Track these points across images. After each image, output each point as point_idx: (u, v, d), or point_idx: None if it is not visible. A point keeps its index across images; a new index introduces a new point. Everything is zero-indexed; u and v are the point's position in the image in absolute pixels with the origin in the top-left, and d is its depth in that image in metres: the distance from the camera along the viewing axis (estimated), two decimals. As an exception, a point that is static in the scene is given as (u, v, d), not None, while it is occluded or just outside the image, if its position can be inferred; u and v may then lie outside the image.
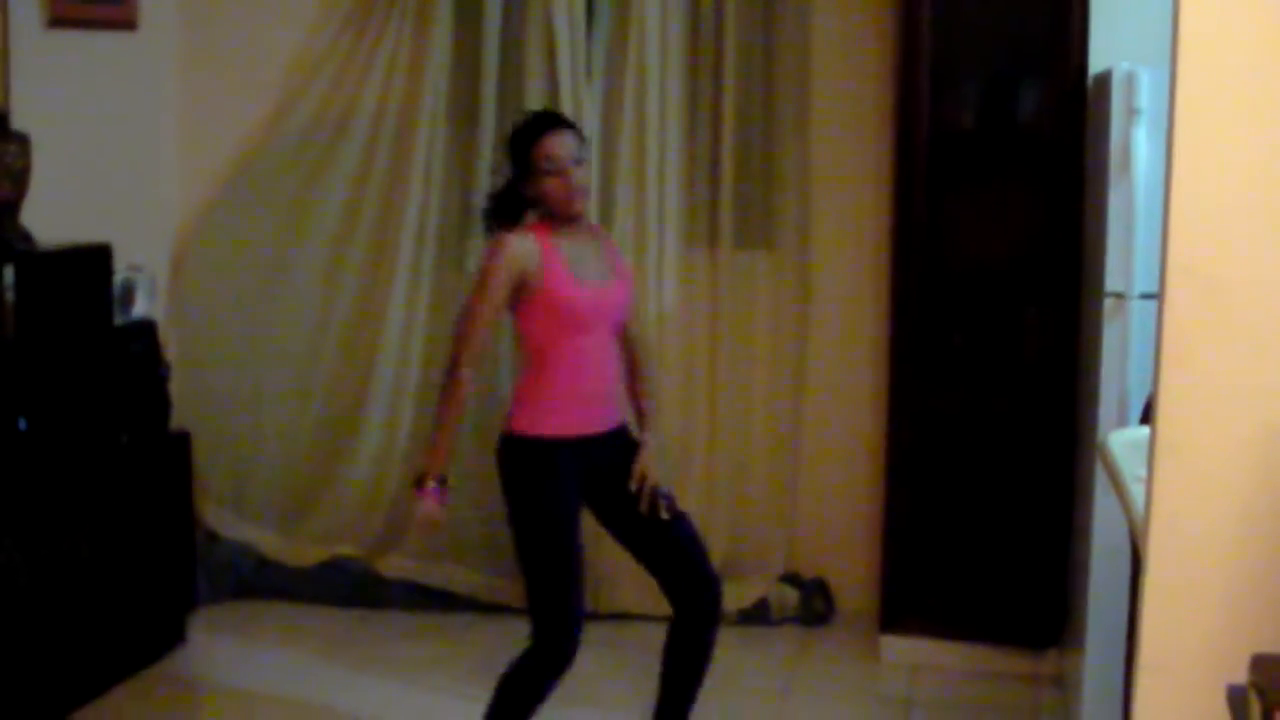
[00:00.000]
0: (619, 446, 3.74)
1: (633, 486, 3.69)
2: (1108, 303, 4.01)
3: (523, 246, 3.54)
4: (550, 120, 3.73)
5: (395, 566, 5.26)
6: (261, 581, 5.32)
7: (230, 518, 5.36)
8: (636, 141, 5.03)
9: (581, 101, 4.98)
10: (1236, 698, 2.29)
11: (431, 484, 3.58)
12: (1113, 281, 4.01)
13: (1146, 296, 3.84)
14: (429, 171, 5.17)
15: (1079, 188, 4.45)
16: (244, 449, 5.39)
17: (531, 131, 3.64)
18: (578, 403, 3.64)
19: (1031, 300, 4.63)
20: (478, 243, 5.36)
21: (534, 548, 3.60)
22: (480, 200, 4.07)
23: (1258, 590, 2.55)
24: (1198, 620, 2.59)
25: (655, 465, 3.75)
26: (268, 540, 5.37)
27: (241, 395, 5.38)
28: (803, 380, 5.17)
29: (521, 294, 3.56)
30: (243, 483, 5.40)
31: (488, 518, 4.89)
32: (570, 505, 3.65)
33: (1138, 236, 3.96)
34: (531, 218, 3.65)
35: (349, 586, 5.24)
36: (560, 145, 3.58)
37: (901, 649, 4.79)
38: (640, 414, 3.88)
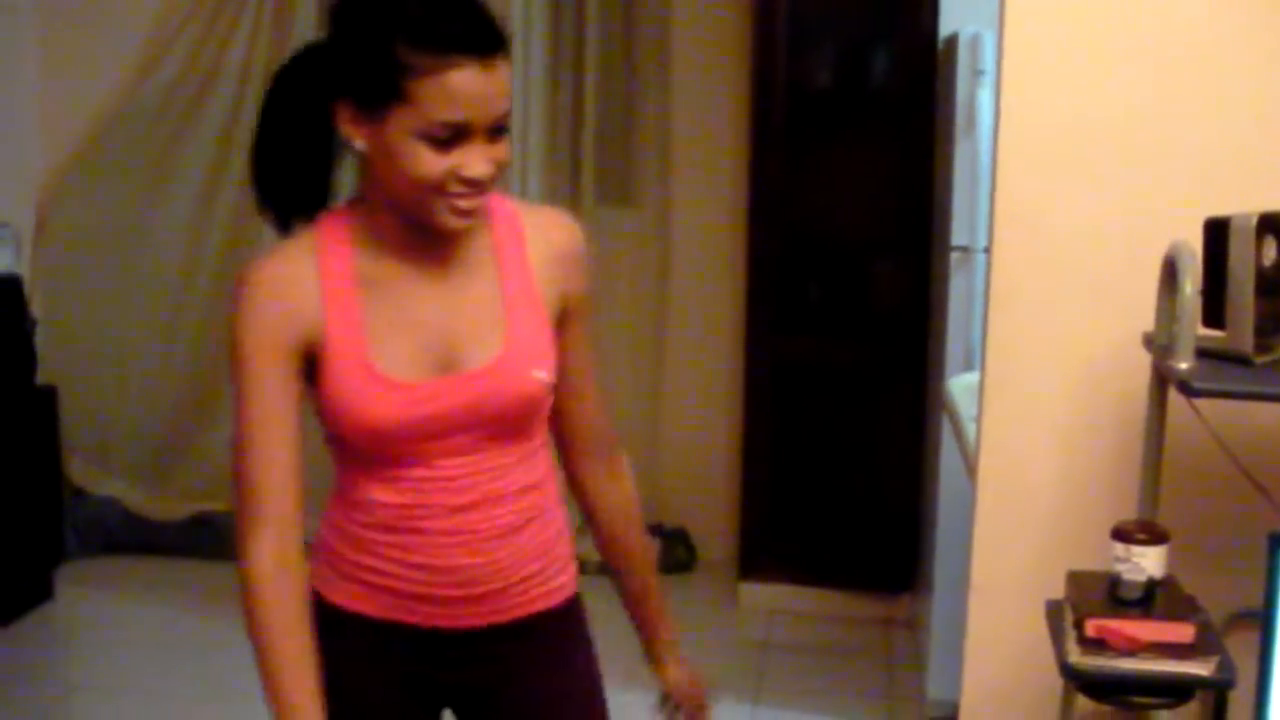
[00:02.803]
0: (517, 649, 2.08)
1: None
2: (954, 256, 4.16)
3: (282, 286, 1.91)
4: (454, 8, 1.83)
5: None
6: (130, 536, 5.33)
7: (97, 473, 5.38)
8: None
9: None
10: (1053, 611, 2.44)
11: None
12: (959, 236, 4.16)
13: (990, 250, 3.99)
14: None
15: (929, 146, 4.60)
16: (111, 404, 5.40)
17: (423, 34, 1.79)
18: (408, 580, 1.99)
19: (884, 254, 4.79)
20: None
21: None
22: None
23: (1075, 514, 2.71)
24: (1022, 544, 2.75)
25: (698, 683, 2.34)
26: (135, 495, 5.39)
27: (108, 350, 5.38)
28: (663, 334, 5.29)
29: (313, 361, 1.93)
30: (110, 438, 5.41)
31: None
32: None
33: (982, 193, 4.10)
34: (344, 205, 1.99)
35: (218, 540, 5.26)
36: (473, 83, 1.79)
37: (760, 595, 4.94)
38: (631, 578, 2.25)
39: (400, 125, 1.80)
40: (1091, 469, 2.70)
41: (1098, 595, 2.37)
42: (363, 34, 1.83)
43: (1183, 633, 2.28)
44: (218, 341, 5.28)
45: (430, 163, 1.81)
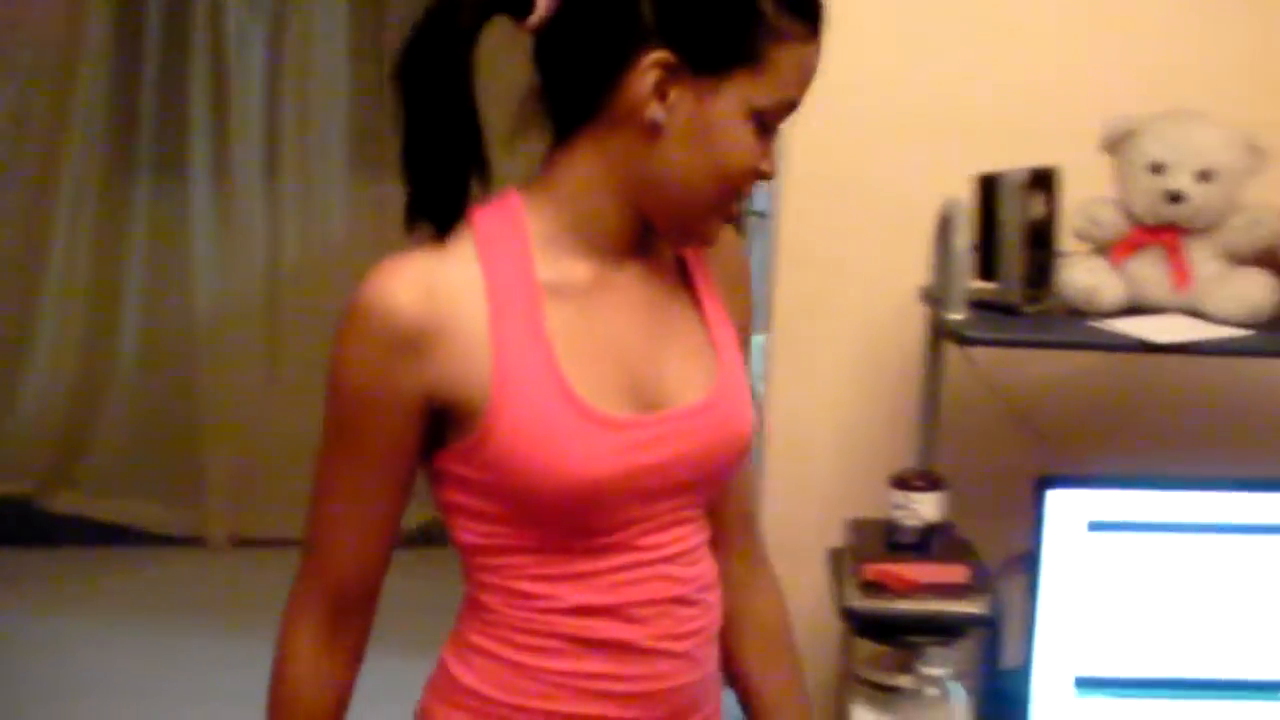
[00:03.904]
0: None
1: None
2: (752, 220, 4.22)
3: (428, 303, 1.40)
4: None
5: (65, 502, 5.18)
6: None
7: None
8: (299, 70, 5.04)
9: (246, 30, 4.96)
10: (834, 558, 2.52)
11: None
12: (758, 201, 4.22)
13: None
14: (90, 110, 5.04)
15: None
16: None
17: None
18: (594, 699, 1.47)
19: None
20: (143, 190, 5.15)
21: None
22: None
23: (859, 466, 2.79)
24: (809, 498, 2.82)
25: None
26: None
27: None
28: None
29: (447, 428, 1.44)
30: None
31: (164, 446, 4.89)
32: None
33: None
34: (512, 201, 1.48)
35: (15, 522, 5.15)
36: (815, 66, 1.46)
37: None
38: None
39: (739, 96, 1.38)
40: (874, 422, 2.78)
41: (877, 541, 2.45)
42: None
43: (956, 574, 2.36)
44: (16, 324, 5.15)
45: (752, 149, 1.41)
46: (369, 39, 5.08)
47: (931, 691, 2.32)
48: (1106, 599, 2.39)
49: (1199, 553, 2.40)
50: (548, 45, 1.43)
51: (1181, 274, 2.47)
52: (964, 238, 2.40)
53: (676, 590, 1.48)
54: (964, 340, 2.37)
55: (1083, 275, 2.46)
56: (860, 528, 2.51)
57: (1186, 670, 2.42)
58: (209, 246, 4.98)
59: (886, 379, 2.75)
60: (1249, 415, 2.79)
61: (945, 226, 2.44)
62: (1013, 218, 2.41)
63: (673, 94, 1.38)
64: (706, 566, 1.53)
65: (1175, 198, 2.44)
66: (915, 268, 2.58)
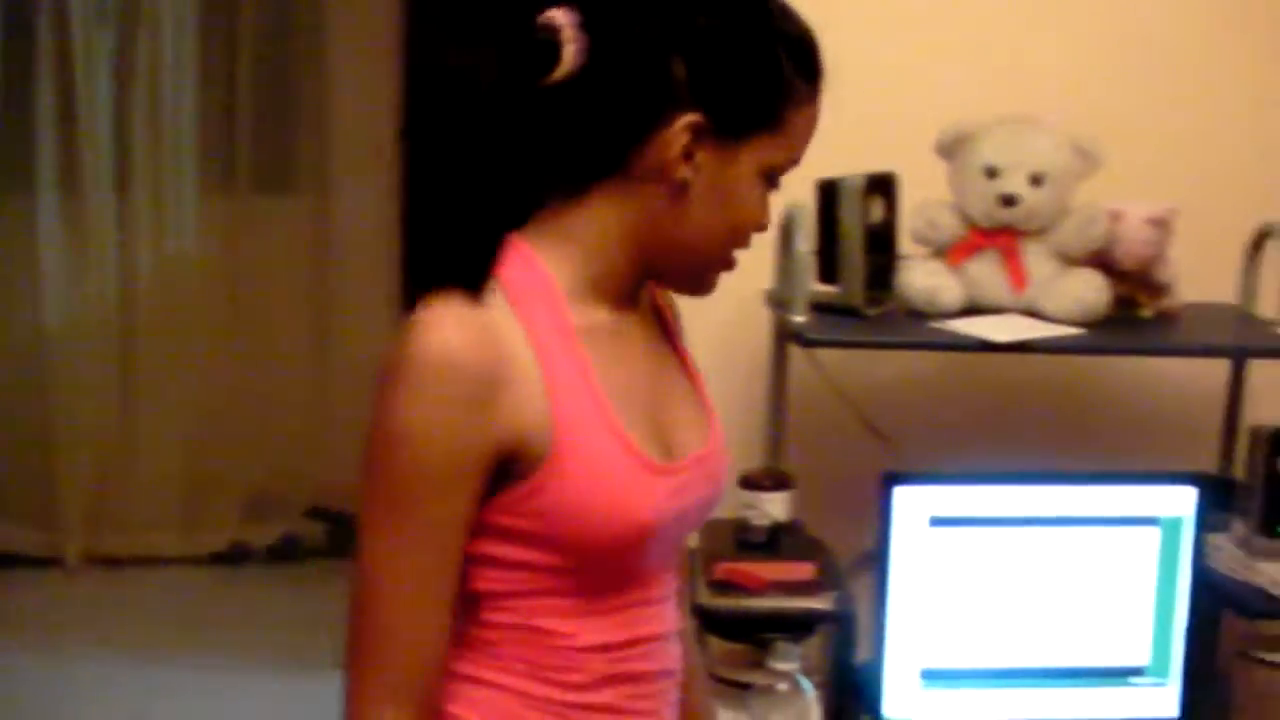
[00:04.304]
0: None
1: None
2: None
3: (486, 358, 1.35)
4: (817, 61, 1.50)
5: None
6: None
7: None
8: (151, 82, 4.98)
9: (93, 40, 4.89)
10: (687, 559, 2.54)
11: None
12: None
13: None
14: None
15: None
16: None
17: (803, 57, 1.48)
18: None
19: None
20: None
21: None
22: None
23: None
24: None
25: None
26: None
27: None
28: (328, 317, 5.23)
29: (494, 481, 1.38)
30: None
31: (17, 464, 4.81)
32: None
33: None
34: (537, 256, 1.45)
35: None
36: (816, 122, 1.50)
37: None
38: None
39: (756, 157, 1.43)
40: (722, 423, 2.81)
41: (727, 541, 2.49)
42: (752, 39, 1.42)
43: (804, 571, 2.42)
44: None
45: (762, 206, 1.46)
46: (220, 50, 5.04)
47: (783, 687, 2.36)
48: (949, 593, 2.45)
49: (1038, 546, 2.46)
50: (568, 99, 1.40)
51: (1018, 275, 2.54)
52: (805, 242, 2.45)
53: (668, 626, 1.53)
54: (807, 342, 2.42)
55: (922, 278, 2.53)
56: (710, 527, 2.54)
57: (1028, 660, 2.48)
58: (58, 261, 4.90)
59: (733, 381, 2.79)
60: (1084, 411, 2.88)
61: (787, 231, 2.49)
62: (852, 222, 2.47)
63: (699, 155, 1.40)
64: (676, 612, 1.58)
65: (1009, 201, 2.51)
66: (760, 271, 2.62)
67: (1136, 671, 2.50)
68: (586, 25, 1.39)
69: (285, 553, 5.10)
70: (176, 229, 5.01)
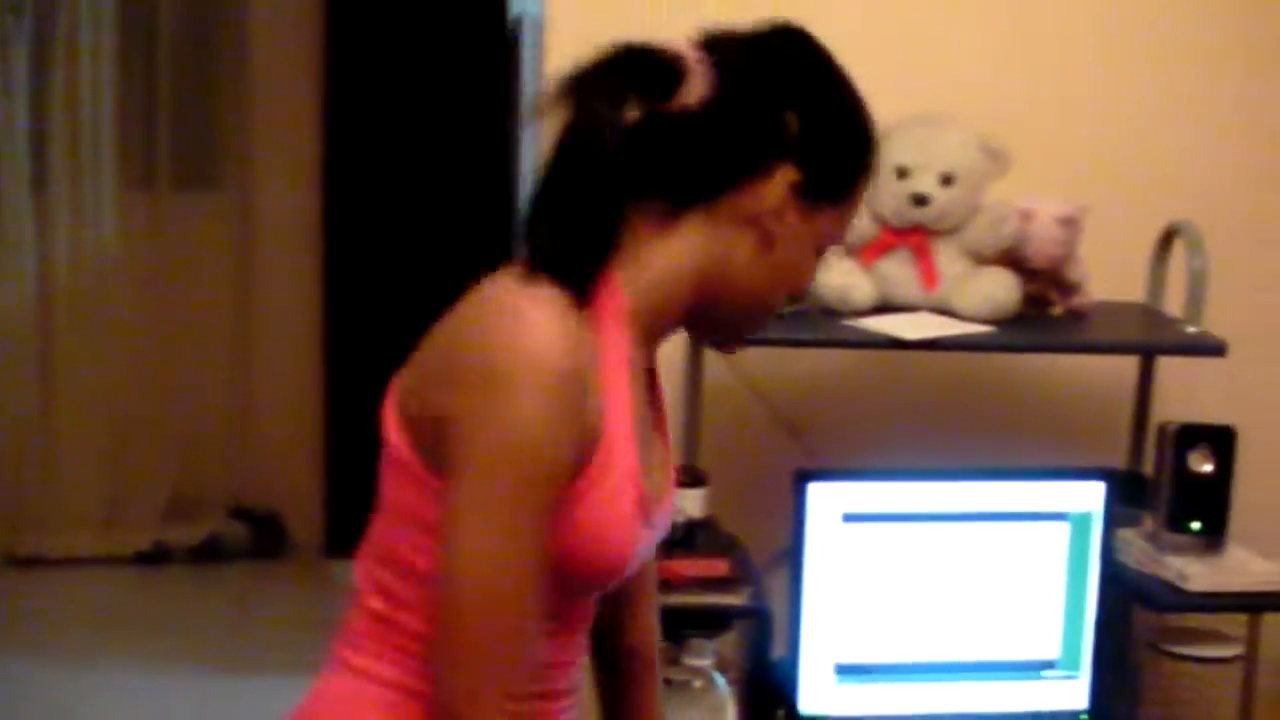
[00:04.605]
0: None
1: None
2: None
3: (578, 374, 1.35)
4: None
5: None
6: None
7: None
8: (66, 78, 4.92)
9: (8, 36, 4.83)
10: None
11: None
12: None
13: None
14: None
15: (509, 130, 4.70)
16: None
17: (876, 144, 1.52)
18: None
19: (465, 233, 4.86)
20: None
21: None
22: None
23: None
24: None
25: None
26: None
27: None
28: (248, 315, 5.21)
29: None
30: None
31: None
32: None
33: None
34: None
35: None
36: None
37: (349, 574, 4.93)
38: None
39: (822, 223, 1.47)
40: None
41: (643, 538, 2.50)
42: (858, 114, 1.49)
43: (719, 568, 2.43)
44: None
45: (811, 274, 1.51)
46: (138, 46, 5.00)
47: (697, 683, 2.37)
48: (863, 588, 2.47)
49: (950, 541, 2.49)
50: (685, 128, 1.42)
51: (929, 274, 2.57)
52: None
53: (584, 651, 1.57)
54: (720, 341, 2.43)
55: (835, 277, 2.55)
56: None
57: (941, 655, 2.51)
58: (-26, 259, 4.86)
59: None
60: (996, 408, 2.91)
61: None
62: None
63: (787, 213, 1.43)
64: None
65: (920, 200, 2.54)
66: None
67: (1048, 665, 2.54)
68: (717, 64, 1.42)
69: (208, 553, 5.07)
70: (95, 226, 4.98)
